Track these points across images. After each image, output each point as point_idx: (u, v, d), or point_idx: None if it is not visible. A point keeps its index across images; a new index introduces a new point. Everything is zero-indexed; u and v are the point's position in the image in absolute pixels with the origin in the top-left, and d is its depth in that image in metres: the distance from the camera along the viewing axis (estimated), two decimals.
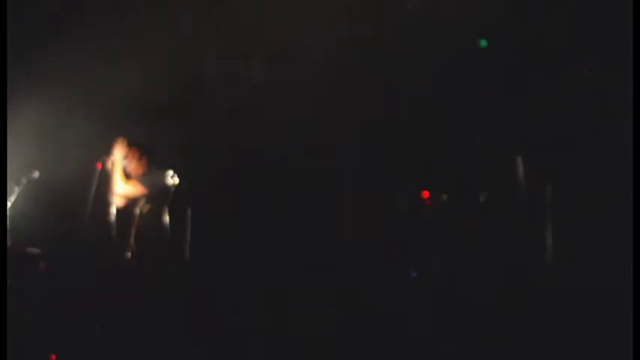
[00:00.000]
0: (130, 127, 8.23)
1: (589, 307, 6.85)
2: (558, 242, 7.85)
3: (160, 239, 7.71)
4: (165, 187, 7.77)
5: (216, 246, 8.39)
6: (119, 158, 7.71)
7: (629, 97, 6.06)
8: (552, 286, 7.38)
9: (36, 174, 7.81)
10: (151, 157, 7.93)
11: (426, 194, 9.01)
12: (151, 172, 7.84)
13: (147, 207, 7.73)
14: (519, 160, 8.18)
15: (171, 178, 7.80)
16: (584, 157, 7.88)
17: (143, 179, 7.77)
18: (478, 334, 6.84)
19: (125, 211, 7.75)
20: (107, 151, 7.73)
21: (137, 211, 7.72)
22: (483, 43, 8.58)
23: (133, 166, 7.86)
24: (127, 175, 7.79)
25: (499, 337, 6.79)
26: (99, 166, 7.69)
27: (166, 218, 7.77)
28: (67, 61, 8.80)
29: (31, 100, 8.68)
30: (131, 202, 7.76)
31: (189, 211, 7.93)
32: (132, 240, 7.66)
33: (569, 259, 7.66)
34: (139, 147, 7.90)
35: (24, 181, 7.76)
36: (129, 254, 7.63)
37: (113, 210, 7.68)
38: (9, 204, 7.65)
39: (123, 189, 7.68)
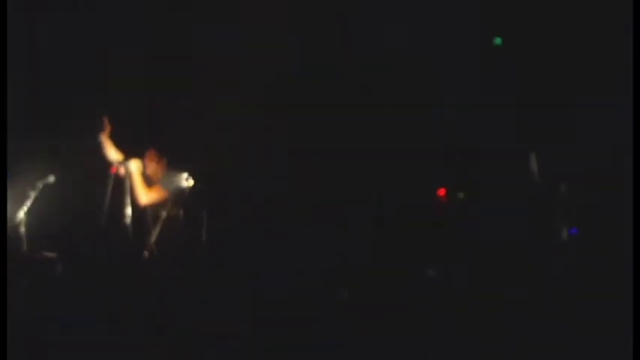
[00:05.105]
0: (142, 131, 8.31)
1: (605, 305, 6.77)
2: (574, 240, 7.82)
3: (178, 240, 7.77)
4: (182, 189, 7.82)
5: (231, 247, 8.41)
6: (137, 166, 7.74)
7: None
8: (568, 281, 7.32)
9: (51, 178, 7.89)
10: (169, 159, 7.98)
11: (442, 192, 8.98)
12: (170, 175, 7.90)
13: (173, 209, 7.79)
14: (533, 157, 8.15)
15: (186, 180, 7.85)
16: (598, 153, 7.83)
17: (164, 182, 7.82)
18: (495, 333, 6.78)
19: (144, 213, 7.81)
20: (123, 155, 7.78)
21: (164, 213, 7.77)
22: (498, 40, 8.55)
23: (153, 169, 7.92)
24: (147, 179, 7.84)
25: (516, 334, 6.73)
26: (113, 170, 7.74)
27: (183, 219, 7.82)
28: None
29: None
30: (152, 205, 7.82)
31: (204, 213, 7.96)
32: (152, 240, 7.71)
33: (585, 256, 7.60)
34: (157, 149, 7.96)
35: (39, 185, 7.84)
36: (146, 254, 7.69)
37: (129, 212, 7.71)
38: (25, 208, 7.73)
39: (148, 197, 7.73)
